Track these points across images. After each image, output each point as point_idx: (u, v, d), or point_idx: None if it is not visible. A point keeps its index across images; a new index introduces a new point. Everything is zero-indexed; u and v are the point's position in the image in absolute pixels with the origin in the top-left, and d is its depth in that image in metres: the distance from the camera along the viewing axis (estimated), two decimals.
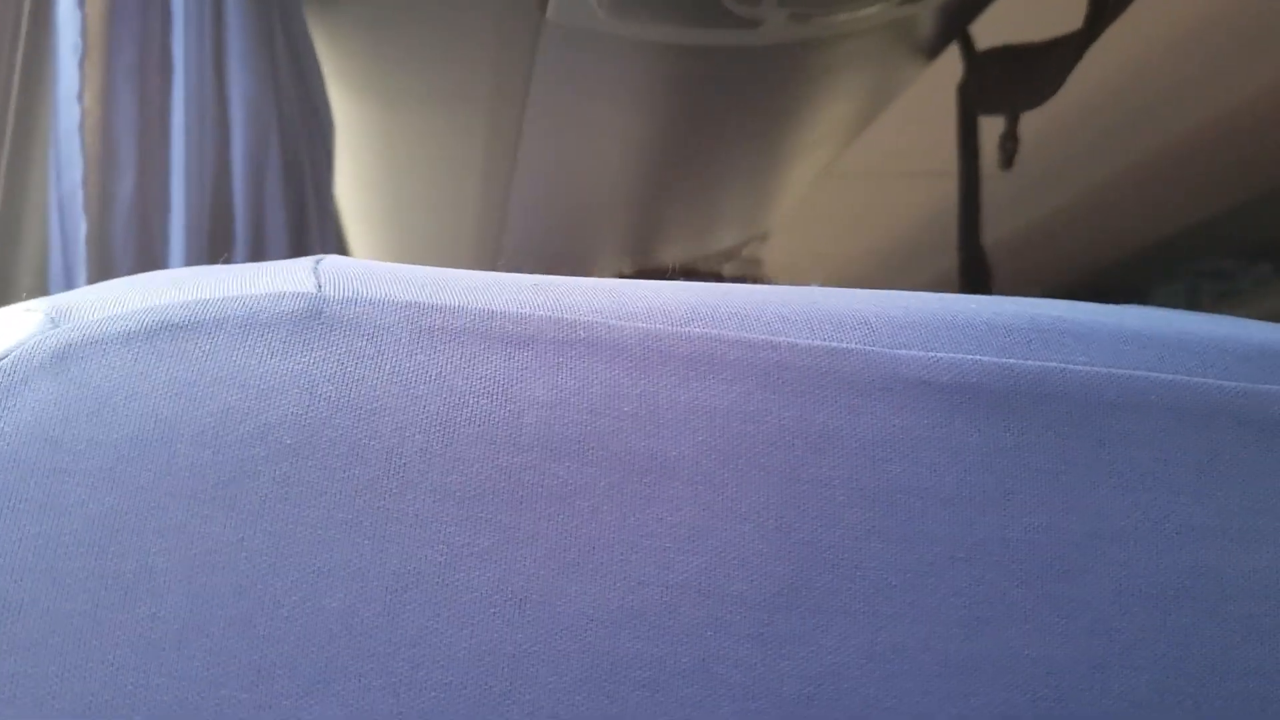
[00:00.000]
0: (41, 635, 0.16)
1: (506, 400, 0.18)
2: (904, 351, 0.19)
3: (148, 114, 0.48)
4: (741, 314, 0.19)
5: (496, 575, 0.17)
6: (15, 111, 0.48)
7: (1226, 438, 0.20)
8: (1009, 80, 0.80)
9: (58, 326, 0.17)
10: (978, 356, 0.19)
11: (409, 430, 0.17)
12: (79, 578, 0.16)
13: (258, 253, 0.51)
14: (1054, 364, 0.19)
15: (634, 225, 1.05)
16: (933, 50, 0.84)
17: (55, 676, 0.16)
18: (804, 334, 0.19)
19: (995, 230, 0.90)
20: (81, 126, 0.46)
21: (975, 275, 0.85)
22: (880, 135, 1.10)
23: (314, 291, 0.18)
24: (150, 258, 0.48)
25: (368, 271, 0.19)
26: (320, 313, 0.18)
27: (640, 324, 0.19)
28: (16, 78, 0.48)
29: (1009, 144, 0.82)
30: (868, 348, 0.19)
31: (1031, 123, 0.84)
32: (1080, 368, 0.20)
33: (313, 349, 0.17)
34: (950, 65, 0.85)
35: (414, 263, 0.21)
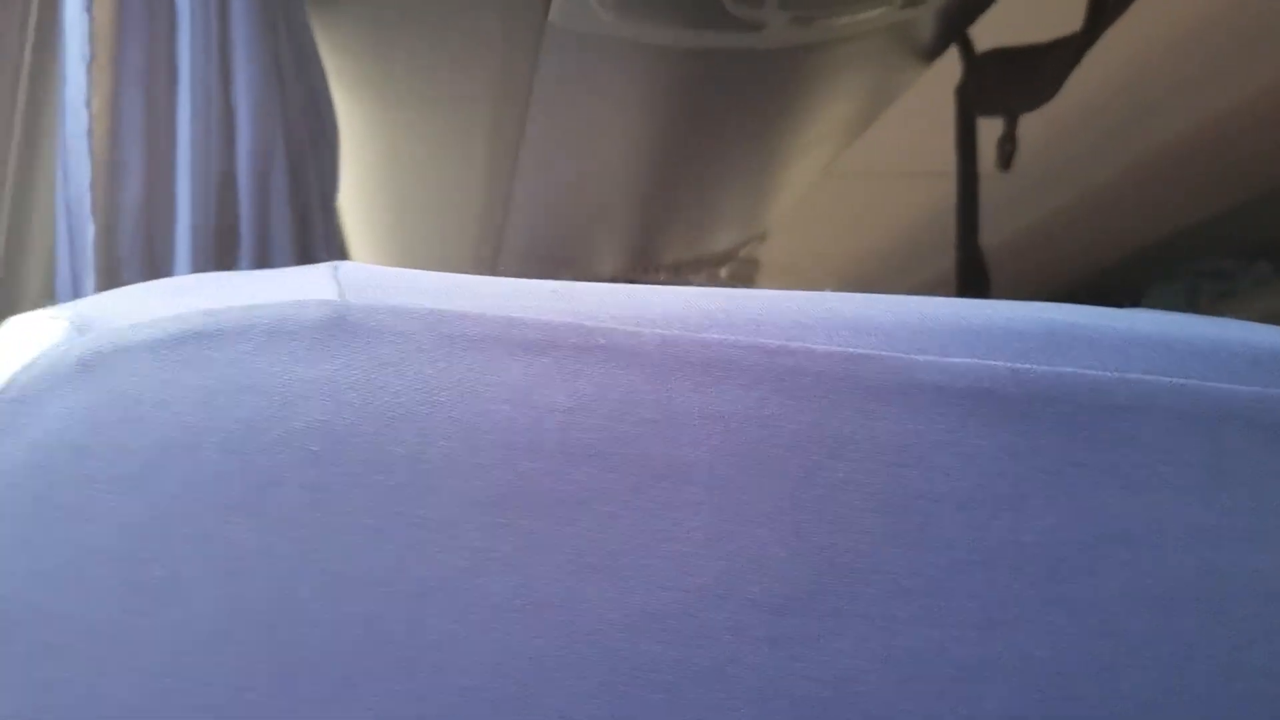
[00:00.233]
0: (71, 642, 0.16)
1: (527, 407, 0.18)
2: (920, 357, 0.19)
3: (154, 119, 0.49)
4: (758, 320, 0.20)
5: (517, 581, 0.17)
6: (23, 117, 0.48)
7: (1236, 441, 0.20)
8: (1008, 82, 0.80)
9: (83, 334, 0.17)
10: (992, 361, 0.19)
11: (432, 437, 0.18)
12: (107, 584, 0.17)
13: (263, 255, 0.52)
14: (1067, 369, 0.20)
15: (634, 226, 1.05)
16: (932, 53, 0.84)
17: (85, 683, 0.16)
18: (820, 339, 0.19)
19: (993, 231, 0.90)
20: (89, 132, 0.47)
21: (973, 276, 0.86)
22: (879, 136, 1.10)
23: (337, 299, 0.18)
24: (157, 261, 0.48)
25: (386, 278, 0.20)
26: (344, 320, 0.18)
27: (658, 330, 0.19)
28: (24, 83, 0.48)
29: (1007, 145, 0.83)
30: (884, 353, 0.19)
31: (1030, 124, 0.84)
32: (1092, 372, 0.20)
33: (337, 356, 0.18)
34: (949, 67, 0.85)
35: (416, 264, 0.21)
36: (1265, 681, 0.19)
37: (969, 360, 0.20)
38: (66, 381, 0.17)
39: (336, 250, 0.58)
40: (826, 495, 0.19)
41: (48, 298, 0.51)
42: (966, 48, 0.84)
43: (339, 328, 0.18)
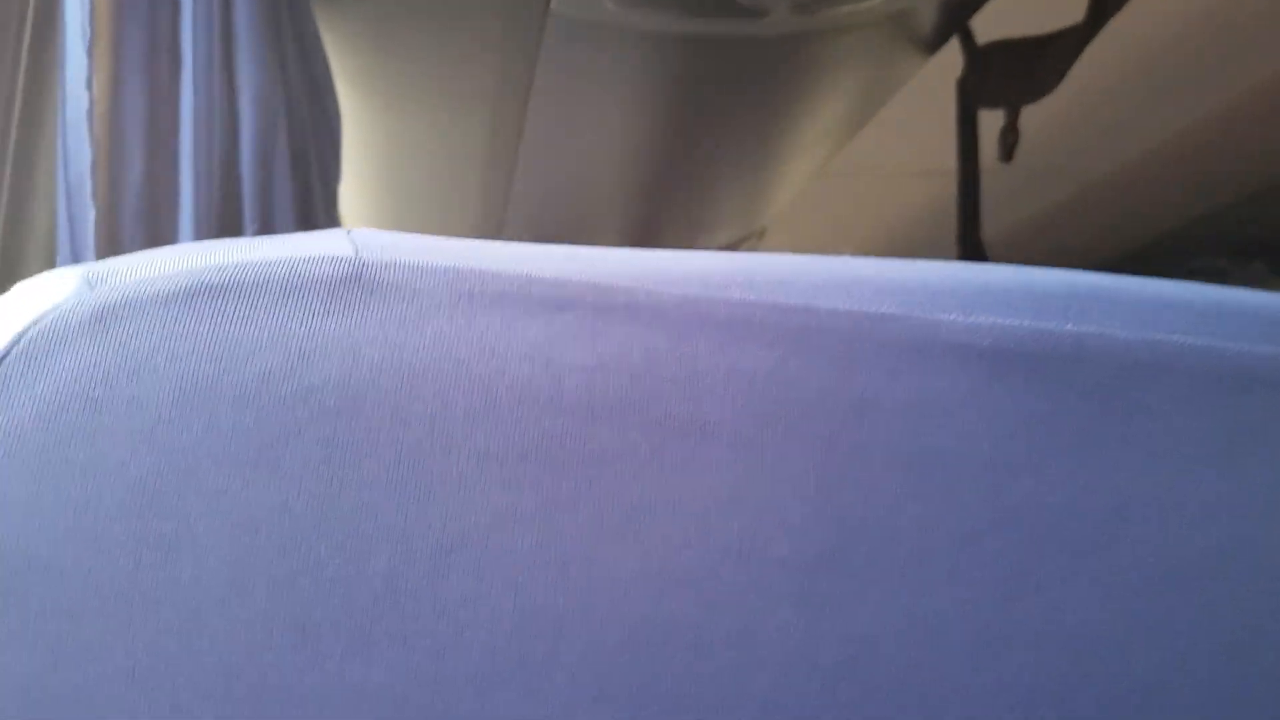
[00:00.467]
0: (83, 599, 0.16)
1: (547, 365, 0.18)
2: (942, 316, 0.19)
3: (156, 102, 0.48)
4: (779, 280, 0.19)
5: (539, 539, 0.17)
6: (23, 98, 0.48)
7: (1260, 404, 0.20)
8: (1009, 74, 0.80)
9: (95, 289, 0.17)
10: (1016, 321, 0.19)
11: (451, 394, 0.17)
12: (120, 540, 0.16)
13: None
14: (1091, 329, 0.19)
15: (635, 220, 1.05)
16: (933, 44, 0.84)
17: (97, 640, 0.16)
18: (841, 299, 0.19)
19: (989, 226, 0.90)
20: (90, 114, 0.46)
21: None
22: (879, 134, 1.10)
23: (353, 255, 0.18)
24: (159, 246, 0.48)
25: (401, 239, 0.19)
26: (360, 276, 0.18)
27: (678, 290, 0.19)
28: (24, 64, 0.48)
29: (1009, 137, 0.82)
30: (906, 312, 0.19)
31: (1028, 119, 0.84)
32: (1117, 333, 0.20)
33: (354, 312, 0.17)
34: (950, 63, 0.85)
35: None
36: None
37: (992, 320, 0.19)
38: (78, 335, 0.17)
39: None
40: (849, 454, 0.18)
41: None
42: (968, 39, 0.84)
43: (356, 283, 0.18)
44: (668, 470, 0.18)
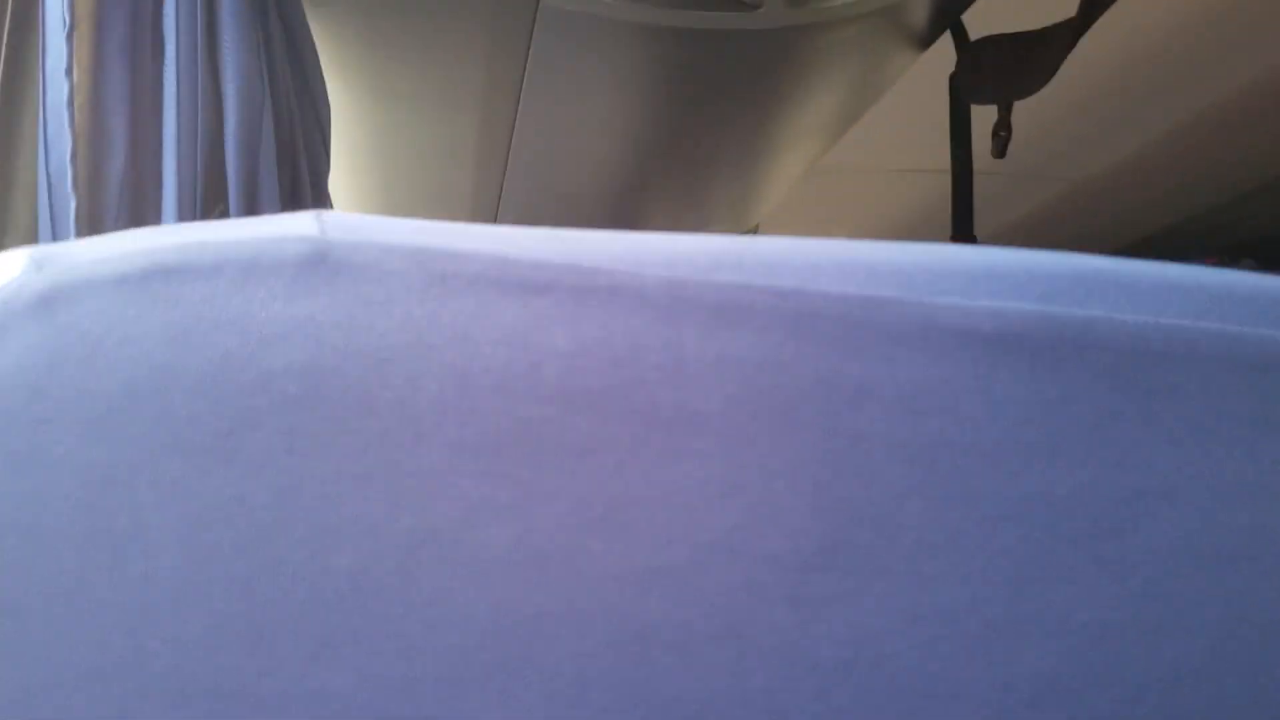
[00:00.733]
0: (25, 598, 0.15)
1: (525, 350, 0.17)
2: (942, 300, 0.18)
3: (139, 90, 0.47)
4: (770, 262, 0.18)
5: (516, 533, 0.16)
6: (2, 86, 0.47)
7: (1277, 389, 0.19)
8: (1002, 69, 0.80)
9: (43, 270, 0.16)
10: (1020, 305, 0.18)
11: (422, 380, 0.16)
12: (66, 536, 0.15)
13: None
14: (1098, 313, 0.18)
15: (626, 215, 1.04)
16: (926, 39, 0.83)
17: (41, 642, 0.15)
18: (836, 282, 0.18)
19: (979, 225, 0.89)
20: (70, 102, 0.45)
21: None
22: (871, 132, 1.09)
23: (318, 235, 0.17)
24: None
25: (372, 221, 0.18)
26: (326, 257, 0.17)
27: (664, 272, 0.18)
28: (2, 52, 0.47)
29: (1002, 133, 0.82)
30: (904, 296, 0.18)
31: (1018, 120, 0.84)
32: (1126, 317, 0.19)
33: (318, 294, 0.16)
34: (941, 65, 0.84)
35: None
36: None
37: (994, 303, 0.18)
38: (22, 318, 0.16)
39: None
40: (846, 445, 0.17)
41: None
42: (960, 35, 0.83)
43: (321, 264, 0.17)
44: (653, 462, 0.17)
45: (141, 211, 0.47)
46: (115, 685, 0.15)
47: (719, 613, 0.17)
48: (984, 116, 0.84)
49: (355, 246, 0.17)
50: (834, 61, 0.81)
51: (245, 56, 0.50)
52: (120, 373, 0.16)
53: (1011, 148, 0.86)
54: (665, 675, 0.16)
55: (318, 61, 0.58)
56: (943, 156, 0.87)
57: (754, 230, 1.17)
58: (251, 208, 0.49)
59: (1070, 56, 0.76)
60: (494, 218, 0.95)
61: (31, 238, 0.48)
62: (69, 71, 0.45)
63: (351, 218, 0.19)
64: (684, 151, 0.93)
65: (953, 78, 0.83)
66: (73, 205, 0.45)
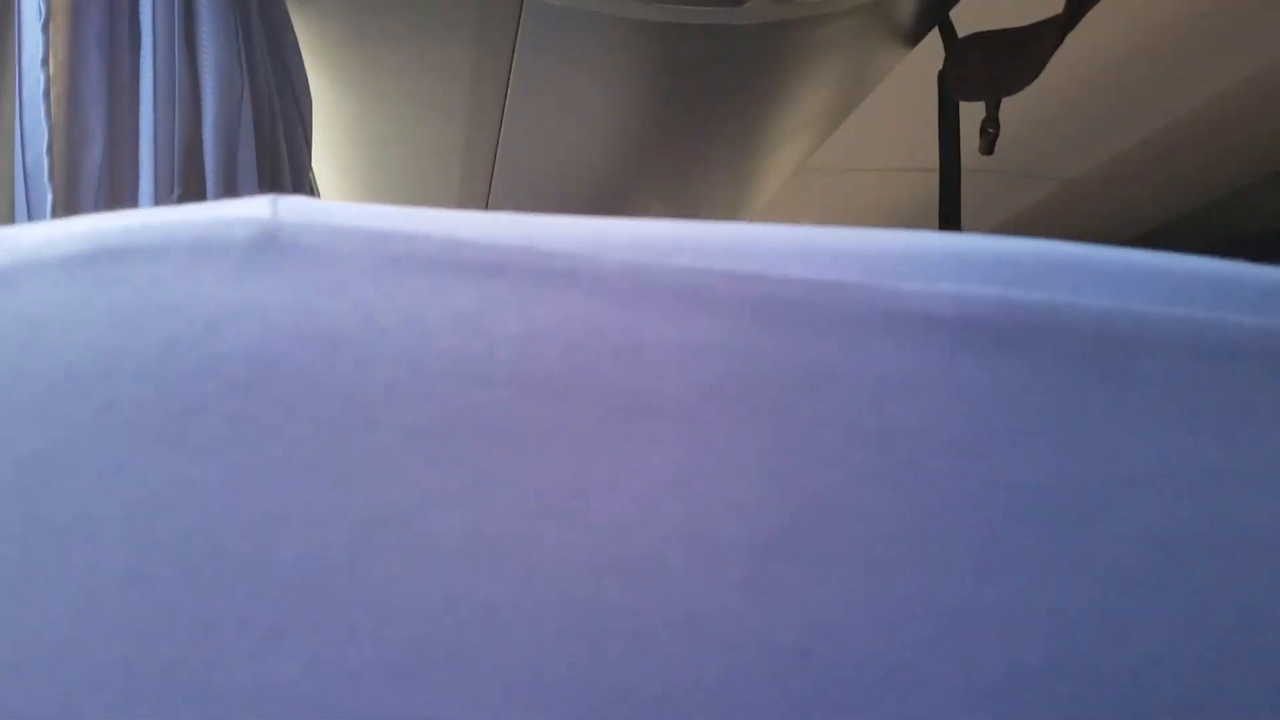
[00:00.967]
0: None
1: (477, 334, 0.17)
2: (905, 285, 0.18)
3: (116, 82, 0.47)
4: (730, 247, 0.18)
5: (468, 520, 0.16)
6: None
7: (1250, 377, 0.18)
8: (989, 65, 0.80)
9: None
10: (983, 290, 0.18)
11: (373, 365, 0.16)
12: (6, 524, 0.15)
13: None
14: (1062, 298, 0.18)
15: (613, 212, 1.03)
16: (914, 36, 0.83)
17: None
18: (797, 267, 0.18)
19: (972, 229, 0.89)
20: (47, 93, 0.45)
21: None
22: (859, 132, 1.09)
23: (268, 218, 0.17)
24: None
25: (326, 206, 0.18)
26: (275, 239, 0.16)
27: (621, 256, 0.18)
28: None
29: (990, 129, 0.82)
30: (865, 281, 0.18)
31: (1007, 119, 0.83)
32: (1090, 302, 0.18)
33: (267, 277, 0.16)
34: (929, 65, 0.84)
35: None
36: None
37: (957, 288, 0.18)
38: None
39: None
40: (805, 431, 0.17)
41: None
42: (948, 32, 0.83)
43: (270, 247, 0.16)
44: (608, 447, 0.17)
45: (119, 203, 0.46)
46: (60, 675, 0.15)
47: (676, 601, 0.16)
48: (973, 114, 0.84)
49: (305, 228, 0.17)
50: (821, 57, 0.81)
51: (223, 49, 0.49)
52: (63, 356, 0.15)
53: (1001, 146, 0.86)
54: (621, 664, 0.16)
55: (299, 54, 0.57)
56: (931, 156, 0.87)
57: None
58: (230, 199, 0.49)
59: (1060, 55, 0.76)
60: (484, 210, 0.95)
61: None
62: (45, 63, 0.45)
63: (307, 201, 0.18)
64: (671, 148, 0.93)
65: (941, 75, 0.83)
66: (49, 197, 0.45)
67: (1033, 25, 0.77)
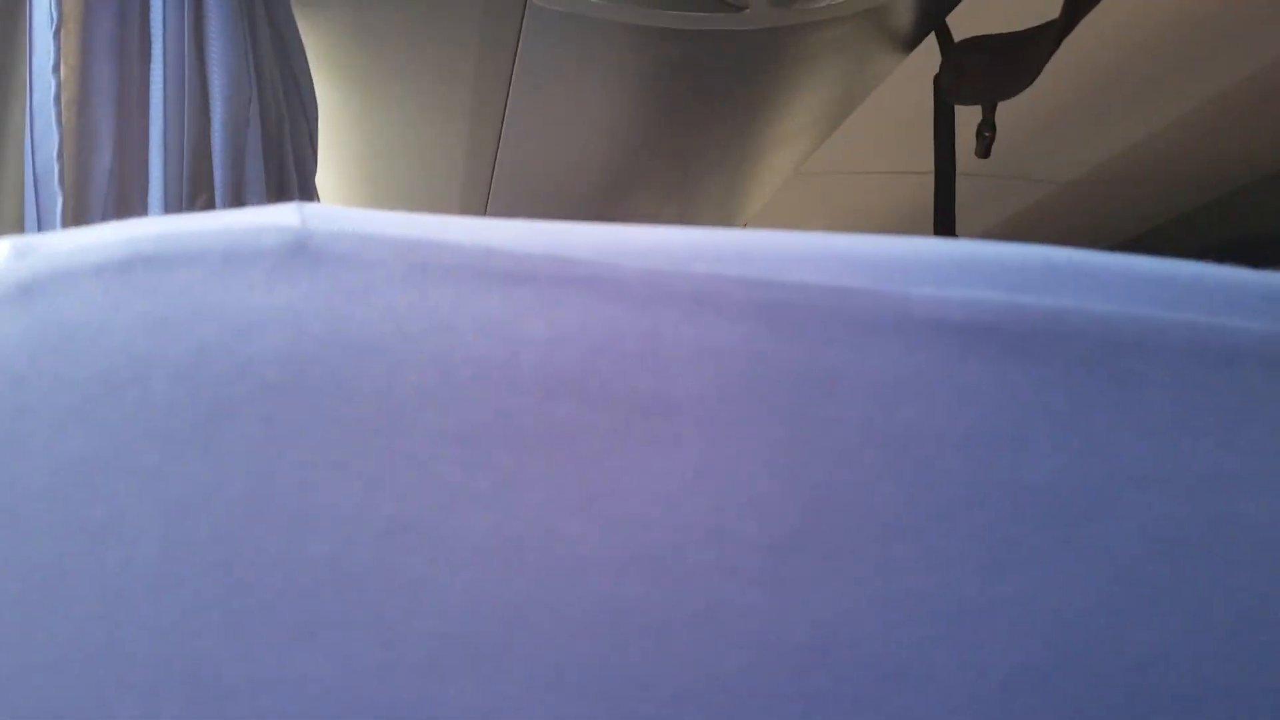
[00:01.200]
0: (3, 587, 0.15)
1: (504, 339, 0.17)
2: (915, 290, 0.18)
3: (126, 88, 0.47)
4: (746, 253, 0.19)
5: (494, 519, 0.16)
6: None
7: (1252, 380, 0.19)
8: (986, 70, 0.80)
9: (23, 258, 0.16)
10: (992, 295, 0.18)
11: (402, 369, 0.16)
12: (43, 524, 0.15)
13: None
14: (1070, 303, 0.19)
15: (612, 215, 1.04)
16: (911, 41, 0.83)
17: (16, 630, 0.15)
18: (810, 273, 0.18)
19: (963, 230, 0.90)
20: (57, 99, 0.45)
21: None
22: (855, 136, 1.09)
23: (298, 225, 0.17)
24: None
25: (353, 213, 0.19)
26: (306, 246, 0.17)
27: (641, 263, 0.18)
28: None
29: (986, 133, 0.82)
30: (876, 286, 0.18)
31: (1002, 123, 0.84)
32: (1096, 307, 0.19)
33: (298, 283, 0.17)
34: (925, 68, 0.85)
35: None
36: None
37: (966, 293, 0.19)
38: (2, 307, 0.16)
39: None
40: (818, 432, 0.18)
41: None
42: (945, 36, 0.83)
43: (301, 254, 0.17)
44: (630, 448, 0.17)
45: (128, 208, 0.47)
46: (92, 674, 0.15)
47: (694, 595, 0.17)
48: (968, 118, 0.85)
49: (335, 236, 0.17)
50: (819, 62, 0.82)
51: (232, 55, 0.50)
52: (99, 361, 0.16)
53: (996, 150, 0.87)
54: (642, 659, 0.17)
55: (305, 60, 0.58)
56: (926, 160, 0.87)
57: None
58: (238, 204, 0.49)
59: (1055, 59, 0.77)
60: (483, 214, 0.95)
61: (18, 232, 0.48)
62: (56, 69, 0.45)
63: (333, 209, 0.19)
64: (671, 152, 0.93)
65: (937, 79, 0.84)
66: (60, 202, 0.45)
67: (1029, 30, 0.78)
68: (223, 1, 0.50)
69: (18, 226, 0.48)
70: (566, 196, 0.96)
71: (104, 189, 0.46)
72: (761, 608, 0.17)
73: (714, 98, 0.83)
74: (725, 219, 1.12)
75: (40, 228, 0.46)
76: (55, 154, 0.45)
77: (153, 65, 0.48)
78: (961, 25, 0.83)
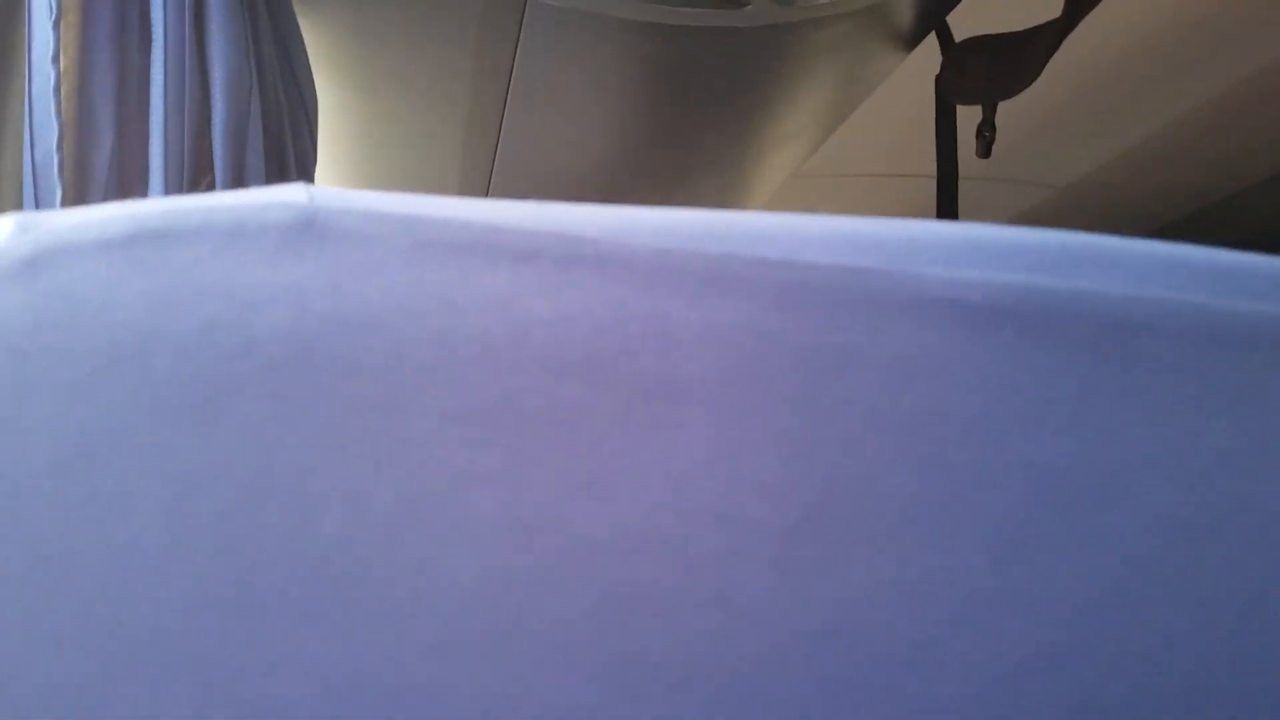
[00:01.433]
0: (6, 564, 0.15)
1: (510, 318, 0.17)
2: (928, 271, 0.18)
3: (126, 79, 0.47)
4: (756, 234, 0.18)
5: (502, 500, 0.16)
6: None
7: (1262, 363, 0.19)
8: (986, 69, 0.80)
9: (28, 233, 0.16)
10: (1007, 276, 0.18)
11: (407, 347, 0.16)
12: (47, 501, 0.15)
13: None
14: (1084, 285, 0.19)
15: None
16: (912, 40, 0.83)
17: (22, 607, 0.15)
18: (823, 253, 0.18)
19: None
20: (57, 90, 0.45)
21: None
22: (854, 137, 1.09)
23: (305, 202, 0.17)
24: None
25: (361, 193, 0.18)
26: (312, 223, 0.17)
27: (650, 242, 0.18)
28: None
29: (986, 133, 0.82)
30: (888, 267, 0.18)
31: (1002, 125, 0.84)
32: (1110, 290, 0.19)
33: (304, 260, 0.16)
34: (926, 70, 0.85)
35: None
36: None
37: (980, 275, 0.18)
38: (6, 282, 0.16)
39: None
40: (830, 414, 0.17)
41: None
42: (945, 35, 0.83)
43: (307, 231, 0.17)
44: (638, 429, 0.17)
45: (128, 200, 0.47)
46: (99, 652, 0.15)
47: (704, 578, 0.17)
48: (969, 118, 0.85)
49: (341, 213, 0.17)
50: (820, 60, 0.82)
51: (233, 48, 0.49)
52: (103, 337, 0.15)
53: (997, 152, 0.86)
54: (652, 642, 0.16)
55: (305, 53, 0.58)
56: (927, 162, 0.87)
57: None
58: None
59: (1056, 60, 0.76)
60: None
61: None
62: (55, 60, 0.45)
63: (339, 190, 0.18)
64: (670, 148, 0.93)
65: (938, 78, 0.84)
66: (59, 193, 0.45)
67: (1030, 29, 0.78)
68: None
69: None
70: (565, 193, 0.96)
71: (103, 181, 0.46)
72: (772, 591, 0.17)
73: (714, 95, 0.83)
74: None
75: None
76: (55, 146, 0.45)
77: (153, 57, 0.48)
78: (962, 25, 0.83)
